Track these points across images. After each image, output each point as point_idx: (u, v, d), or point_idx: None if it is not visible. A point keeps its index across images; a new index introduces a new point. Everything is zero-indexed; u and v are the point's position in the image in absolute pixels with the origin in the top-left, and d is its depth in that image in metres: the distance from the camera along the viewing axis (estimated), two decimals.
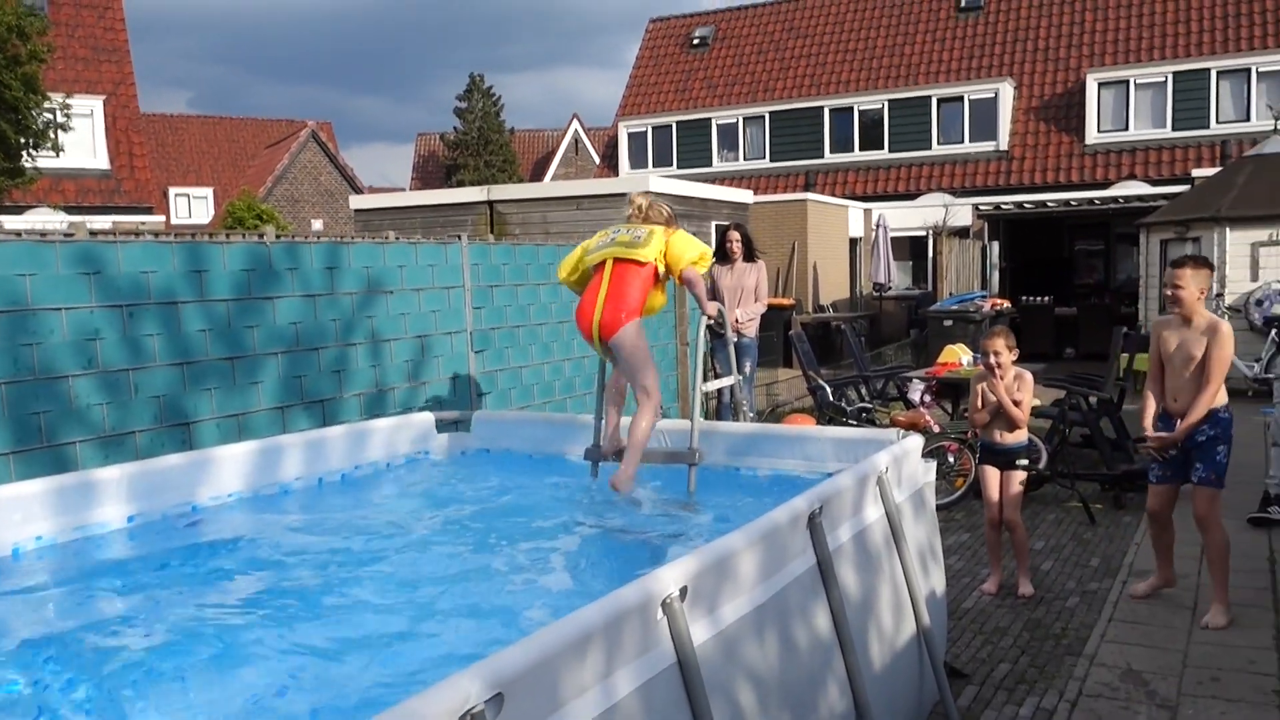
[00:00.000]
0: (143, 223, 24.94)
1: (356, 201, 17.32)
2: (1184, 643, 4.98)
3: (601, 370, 4.46)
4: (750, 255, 8.75)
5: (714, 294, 8.65)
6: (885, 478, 3.40)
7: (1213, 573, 5.24)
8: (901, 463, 3.63)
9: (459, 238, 6.47)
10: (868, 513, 3.31)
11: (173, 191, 41.19)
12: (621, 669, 2.03)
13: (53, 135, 16.96)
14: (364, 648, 2.74)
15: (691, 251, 4.43)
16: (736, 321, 8.43)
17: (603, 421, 4.47)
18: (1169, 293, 5.18)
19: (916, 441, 3.81)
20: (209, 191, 41.90)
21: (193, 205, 41.29)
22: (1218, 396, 5.09)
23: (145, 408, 4.60)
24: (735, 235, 8.72)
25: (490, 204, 15.57)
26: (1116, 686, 4.54)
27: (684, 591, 2.22)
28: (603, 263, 4.39)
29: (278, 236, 5.34)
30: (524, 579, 3.32)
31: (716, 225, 16.40)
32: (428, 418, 5.05)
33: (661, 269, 4.40)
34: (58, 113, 16.85)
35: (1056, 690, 4.57)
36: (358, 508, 4.22)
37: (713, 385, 4.71)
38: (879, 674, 3.09)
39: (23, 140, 15.64)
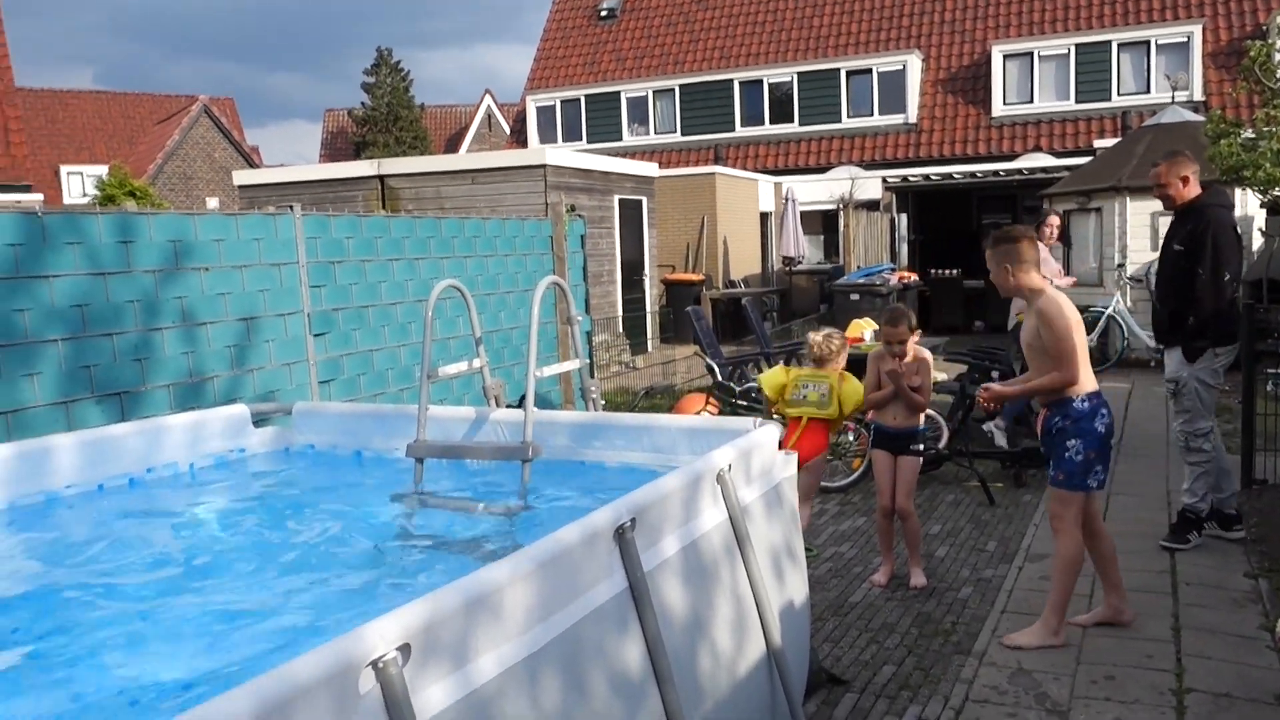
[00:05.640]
0: (18, 201, 23.46)
1: (241, 177, 16.39)
2: (1079, 635, 4.64)
3: (425, 359, 3.89)
4: None
5: None
6: (727, 476, 2.90)
7: (1053, 588, 4.58)
8: (751, 456, 3.14)
9: (290, 208, 5.80)
10: (704, 518, 2.81)
11: (65, 170, 39.17)
12: None
13: None
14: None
15: (857, 398, 5.58)
16: None
17: (425, 414, 3.90)
18: (996, 277, 4.53)
19: (771, 431, 3.32)
20: (104, 169, 39.85)
21: (86, 184, 39.25)
22: (1080, 383, 4.37)
23: None
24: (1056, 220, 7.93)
25: (381, 178, 14.80)
26: (1005, 689, 4.17)
27: (406, 650, 1.68)
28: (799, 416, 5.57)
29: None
30: (289, 609, 2.76)
31: (620, 199, 15.87)
32: (241, 410, 4.42)
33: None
34: None
35: (941, 696, 4.18)
36: (129, 519, 3.60)
37: (551, 370, 4.20)
38: (710, 712, 2.60)
39: None
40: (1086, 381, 4.40)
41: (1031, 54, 22.46)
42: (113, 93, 45.81)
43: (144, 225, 4.94)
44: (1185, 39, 21.27)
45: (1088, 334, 11.23)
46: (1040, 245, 7.94)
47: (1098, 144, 19.54)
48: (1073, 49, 22.12)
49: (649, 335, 16.63)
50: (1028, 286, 4.42)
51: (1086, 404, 4.38)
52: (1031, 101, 22.49)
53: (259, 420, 4.50)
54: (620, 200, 15.94)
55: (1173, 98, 16.64)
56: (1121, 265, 13.00)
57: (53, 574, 3.13)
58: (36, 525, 3.52)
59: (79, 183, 38.93)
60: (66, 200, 36.70)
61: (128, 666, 2.42)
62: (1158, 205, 12.67)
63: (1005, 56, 22.66)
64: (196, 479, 4.11)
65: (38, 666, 2.47)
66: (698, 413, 7.67)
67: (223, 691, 1.45)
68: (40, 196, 25.91)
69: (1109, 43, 21.85)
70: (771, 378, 5.82)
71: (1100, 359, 12.54)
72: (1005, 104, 22.70)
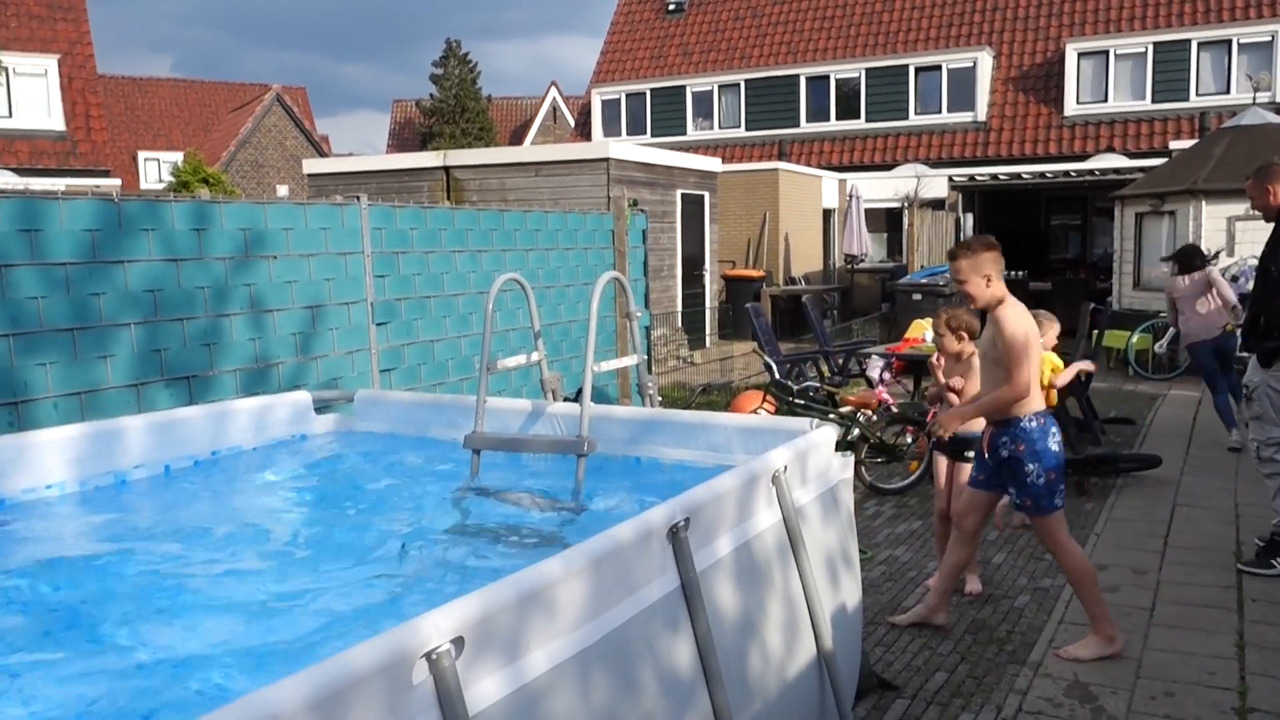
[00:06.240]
0: (97, 186, 24.17)
1: (310, 166, 16.70)
2: (1138, 649, 4.55)
3: (484, 351, 3.94)
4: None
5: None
6: (783, 477, 2.89)
7: (1083, 604, 4.55)
8: (807, 458, 3.13)
9: (357, 198, 5.90)
10: (758, 519, 2.81)
11: (142, 155, 40.20)
12: None
13: None
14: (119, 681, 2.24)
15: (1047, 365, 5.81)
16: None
17: (484, 405, 3.94)
18: (958, 290, 4.43)
19: (828, 433, 3.30)
20: (179, 156, 40.77)
21: (162, 169, 40.20)
22: (1026, 402, 4.26)
23: None
24: None
25: (447, 169, 14.97)
26: (1060, 702, 4.10)
27: (459, 642, 1.71)
28: None
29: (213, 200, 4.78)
30: (343, 595, 2.81)
31: (682, 194, 15.85)
32: (304, 396, 4.51)
33: None
34: None
35: (994, 706, 4.12)
36: (198, 499, 3.70)
37: (609, 365, 4.21)
38: (759, 713, 2.59)
39: None
40: (1035, 400, 4.32)
41: (1107, 52, 21.95)
42: (189, 81, 46.88)
43: (217, 213, 5.06)
44: (1269, 38, 20.63)
45: (1157, 340, 11.17)
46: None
47: (1174, 145, 19.02)
48: (1150, 47, 21.58)
49: (708, 331, 16.60)
50: (998, 297, 4.33)
51: (1034, 423, 4.31)
52: (1106, 101, 21.99)
53: (321, 407, 4.59)
54: (682, 195, 15.93)
55: (1254, 99, 16.19)
56: None
57: (117, 553, 3.22)
58: (105, 504, 3.63)
59: (155, 168, 39.90)
60: (143, 186, 37.67)
61: (185, 648, 2.49)
62: (1235, 209, 12.45)
63: (1080, 54, 22.17)
64: (259, 463, 4.20)
65: (97, 644, 2.55)
66: (754, 411, 7.65)
67: (279, 678, 1.49)
68: (118, 182, 26.65)
69: (1188, 41, 21.27)
70: None
71: (1170, 366, 12.26)
72: (1078, 103, 22.22)
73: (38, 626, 2.69)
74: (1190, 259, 9.01)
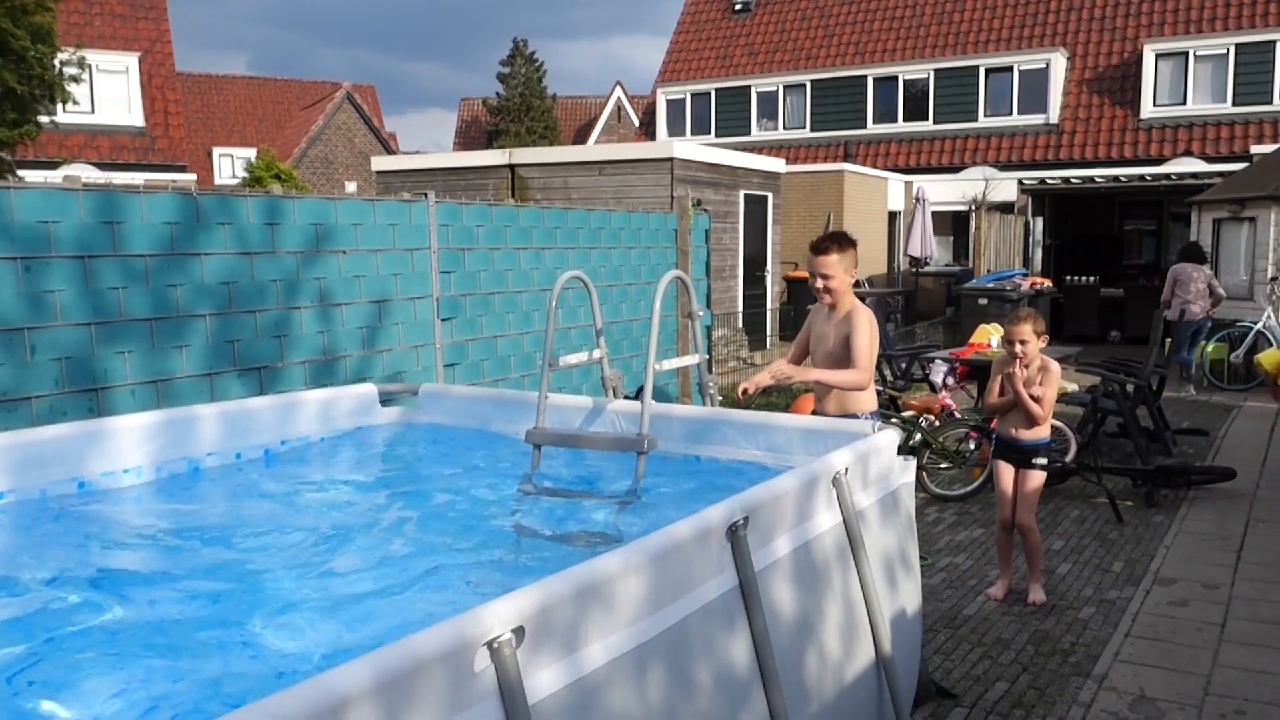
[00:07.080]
0: (174, 180, 24.83)
1: (378, 163, 16.94)
2: (1208, 665, 4.44)
3: (547, 348, 3.97)
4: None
5: None
6: (843, 478, 2.87)
7: None
8: (869, 460, 3.10)
9: (424, 195, 5.98)
10: (818, 520, 2.79)
11: (217, 151, 41.13)
12: None
13: (65, 87, 16.45)
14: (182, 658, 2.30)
15: None
16: None
17: (545, 401, 3.98)
18: (819, 285, 4.37)
19: (891, 435, 3.28)
20: (252, 152, 41.69)
21: (235, 165, 41.13)
22: (865, 399, 4.35)
23: (45, 370, 4.18)
24: None
25: (512, 168, 15.09)
26: (1125, 716, 4.02)
27: (520, 632, 1.73)
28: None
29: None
30: (407, 583, 2.85)
31: (746, 194, 15.79)
32: (370, 389, 4.59)
33: None
34: (63, 66, 16.24)
35: (1056, 718, 4.05)
36: (267, 487, 3.78)
37: (670, 364, 4.21)
38: (814, 716, 2.58)
39: (36, 92, 15.24)
40: (870, 400, 4.41)
41: (1187, 54, 21.38)
42: (264, 78, 47.86)
43: (289, 208, 5.18)
44: None
45: (1233, 350, 11.29)
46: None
47: (1255, 149, 18.47)
48: (1232, 49, 20.97)
49: (769, 332, 16.52)
50: (852, 297, 4.40)
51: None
52: (1184, 103, 21.42)
53: (386, 400, 4.66)
54: (746, 195, 15.87)
55: None
56: (1275, 279, 12.30)
57: (189, 535, 3.31)
58: (179, 489, 3.73)
59: (229, 164, 40.81)
60: (217, 181, 38.56)
61: (251, 629, 2.54)
62: None
63: (1158, 56, 21.63)
64: (325, 454, 4.28)
65: (168, 622, 2.62)
66: (813, 413, 7.59)
67: (344, 661, 1.52)
68: (194, 177, 27.32)
69: (1273, 43, 20.62)
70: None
71: (1247, 376, 11.91)
72: (1155, 105, 21.67)
73: (113, 603, 2.77)
74: (1199, 254, 11.74)
